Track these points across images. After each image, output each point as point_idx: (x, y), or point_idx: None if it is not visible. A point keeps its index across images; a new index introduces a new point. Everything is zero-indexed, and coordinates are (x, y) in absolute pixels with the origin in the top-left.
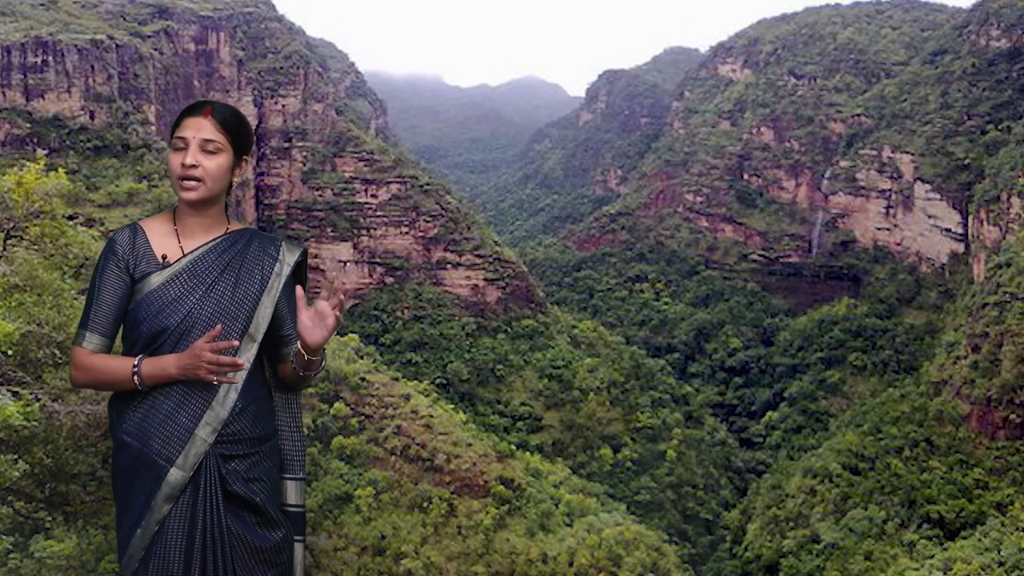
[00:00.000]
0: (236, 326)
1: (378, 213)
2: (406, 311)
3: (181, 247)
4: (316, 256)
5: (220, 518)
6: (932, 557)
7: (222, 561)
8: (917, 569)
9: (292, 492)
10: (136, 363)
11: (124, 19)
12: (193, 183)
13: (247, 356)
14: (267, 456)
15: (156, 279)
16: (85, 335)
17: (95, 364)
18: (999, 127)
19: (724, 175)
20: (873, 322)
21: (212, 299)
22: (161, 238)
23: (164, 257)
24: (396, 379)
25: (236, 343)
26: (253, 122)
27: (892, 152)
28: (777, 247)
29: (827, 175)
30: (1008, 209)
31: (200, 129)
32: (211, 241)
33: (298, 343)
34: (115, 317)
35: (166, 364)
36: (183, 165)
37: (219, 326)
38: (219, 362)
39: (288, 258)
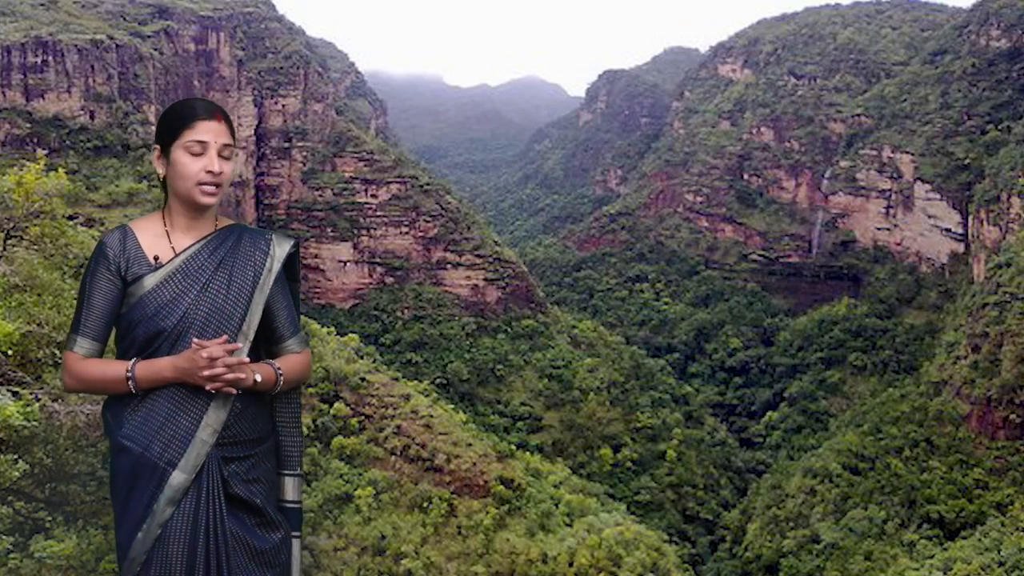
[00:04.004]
0: (232, 324)
1: (378, 213)
2: (406, 311)
3: (172, 247)
4: (316, 256)
5: (223, 521)
6: (932, 557)
7: (226, 564)
8: (917, 569)
9: (290, 488)
10: (130, 367)
11: (124, 19)
12: (214, 189)
13: (242, 354)
14: (265, 456)
15: (150, 281)
16: (76, 340)
17: (87, 369)
18: (999, 127)
19: (724, 175)
20: (873, 322)
21: (207, 298)
22: (152, 239)
23: (156, 258)
24: (396, 379)
25: (239, 345)
26: (253, 122)
27: (892, 152)
28: (777, 247)
29: (827, 175)
30: (1008, 209)
31: (219, 134)
32: (202, 239)
33: None
34: (106, 321)
35: (161, 368)
36: (209, 172)
37: (224, 336)
38: (214, 365)
39: (278, 252)
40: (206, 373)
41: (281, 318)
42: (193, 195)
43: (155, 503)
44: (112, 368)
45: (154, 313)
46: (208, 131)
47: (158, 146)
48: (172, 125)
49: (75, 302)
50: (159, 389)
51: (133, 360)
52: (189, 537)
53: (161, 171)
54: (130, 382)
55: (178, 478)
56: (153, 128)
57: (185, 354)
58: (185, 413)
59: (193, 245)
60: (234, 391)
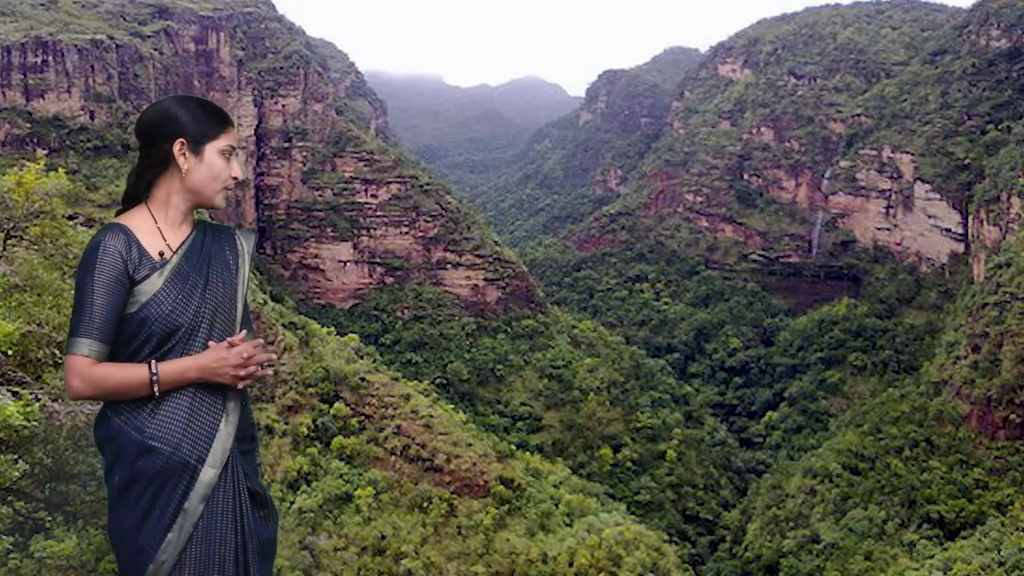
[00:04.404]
0: (232, 318)
1: (378, 213)
2: (406, 311)
3: (168, 244)
4: (316, 256)
5: (250, 514)
6: (932, 557)
7: (252, 558)
8: (917, 569)
9: None
10: (154, 369)
11: (124, 19)
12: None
13: None
14: (256, 450)
15: (159, 278)
16: (86, 343)
17: (106, 374)
18: (999, 127)
19: (724, 175)
20: (873, 322)
21: (212, 292)
22: (147, 236)
23: (161, 254)
24: (396, 379)
25: (261, 341)
26: (253, 122)
27: (892, 152)
28: (777, 247)
29: (827, 175)
30: (1008, 209)
31: (235, 140)
32: (191, 234)
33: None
34: (114, 322)
35: (185, 368)
36: (234, 178)
37: (244, 332)
38: (248, 363)
39: (246, 247)
40: (243, 372)
41: (245, 313)
42: (216, 198)
43: (187, 501)
44: (133, 372)
45: (171, 310)
46: (232, 138)
47: (184, 140)
48: (208, 125)
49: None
50: (177, 389)
51: (152, 362)
52: (224, 532)
53: (186, 166)
54: (155, 385)
55: (208, 474)
56: None
57: (212, 353)
58: (207, 410)
59: (186, 241)
60: (255, 384)
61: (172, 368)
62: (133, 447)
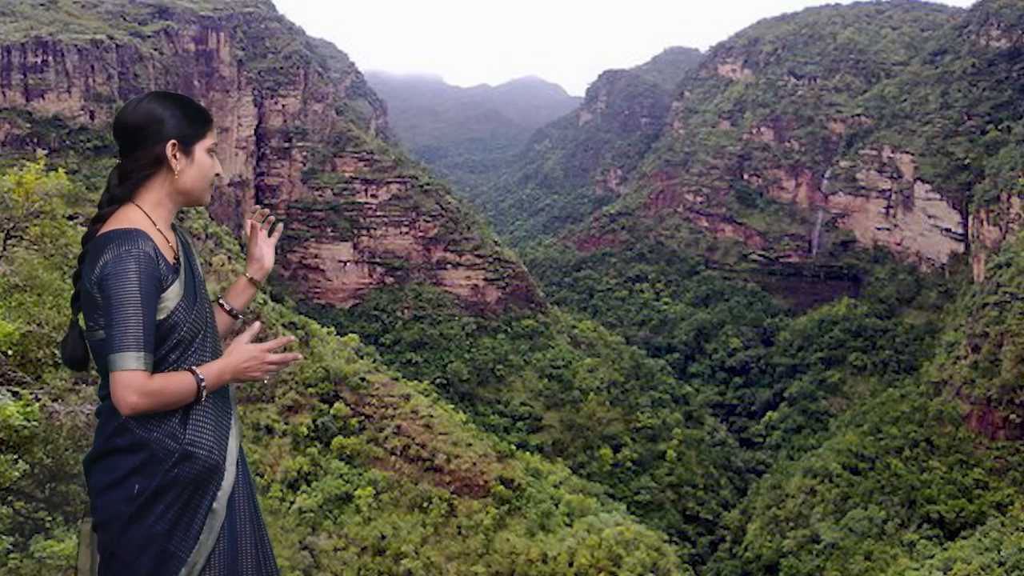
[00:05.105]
0: (214, 315)
1: (378, 213)
2: (406, 311)
3: (171, 245)
4: (316, 256)
5: (258, 505)
6: (932, 557)
7: (268, 546)
8: (917, 569)
9: None
10: (200, 376)
11: (124, 19)
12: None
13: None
14: None
15: (179, 284)
16: (141, 357)
17: (165, 386)
18: (999, 127)
19: (724, 175)
20: (873, 322)
21: (206, 293)
22: (156, 239)
23: (177, 259)
24: (396, 379)
25: (293, 338)
26: (253, 122)
27: (892, 152)
28: (777, 247)
29: (827, 175)
30: (1008, 209)
31: (216, 137)
32: (176, 234)
33: (248, 276)
34: (154, 333)
35: (221, 371)
36: (217, 175)
37: (257, 323)
38: (281, 361)
39: (191, 242)
40: (276, 368)
41: None
42: (206, 196)
43: (215, 502)
44: (181, 380)
45: (195, 315)
46: (216, 134)
47: (176, 140)
48: (196, 124)
49: (102, 311)
50: None
51: (195, 369)
52: (243, 526)
53: (179, 166)
54: (203, 391)
55: (231, 473)
56: None
57: (243, 353)
58: (223, 411)
59: (179, 242)
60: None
61: (210, 372)
62: (169, 455)
